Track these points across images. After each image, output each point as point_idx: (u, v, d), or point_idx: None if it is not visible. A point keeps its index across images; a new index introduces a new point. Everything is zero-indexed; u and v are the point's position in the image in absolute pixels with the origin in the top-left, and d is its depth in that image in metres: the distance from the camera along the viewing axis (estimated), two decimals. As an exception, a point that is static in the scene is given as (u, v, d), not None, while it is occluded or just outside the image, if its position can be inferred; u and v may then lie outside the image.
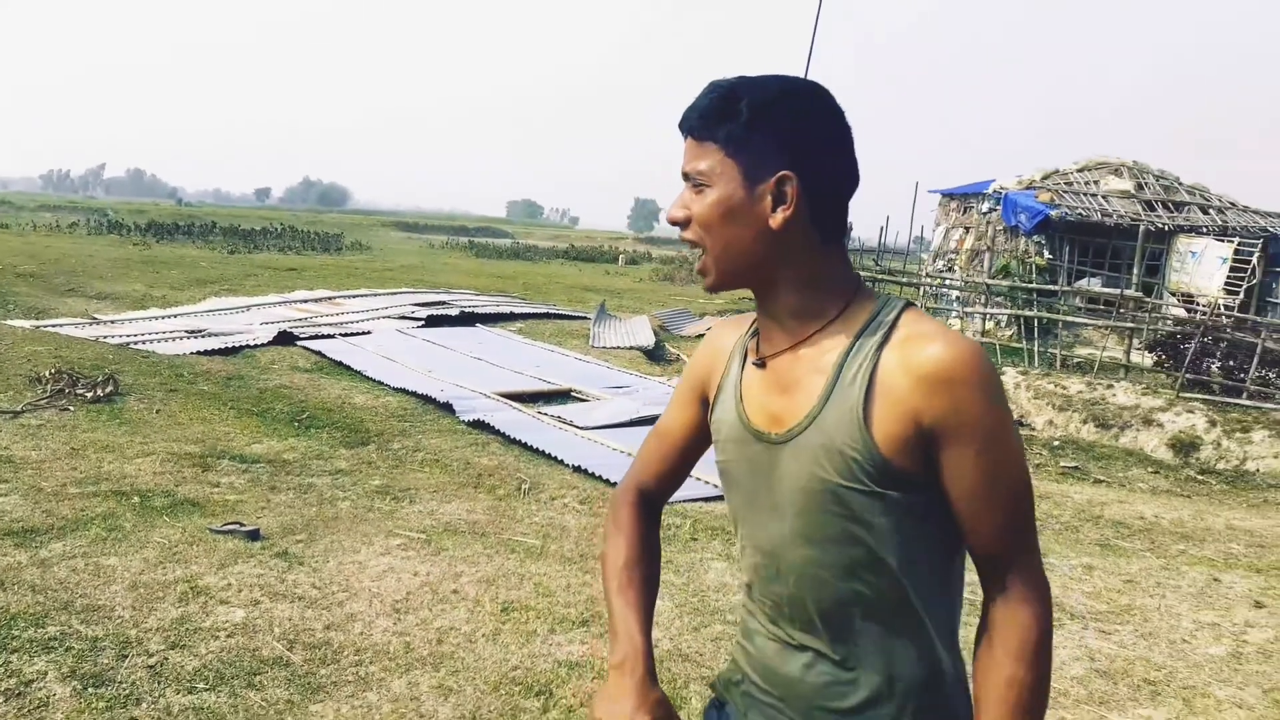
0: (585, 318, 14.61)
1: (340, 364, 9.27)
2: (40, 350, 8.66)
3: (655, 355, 11.85)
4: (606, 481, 5.79)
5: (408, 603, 3.79)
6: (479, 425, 7.13)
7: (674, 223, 1.20)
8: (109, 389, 7.04)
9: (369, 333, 11.25)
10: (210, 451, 5.82)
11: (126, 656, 3.21)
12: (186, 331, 10.50)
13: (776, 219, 1.13)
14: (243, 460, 5.70)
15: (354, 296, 14.68)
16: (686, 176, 1.17)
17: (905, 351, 1.10)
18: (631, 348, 12.11)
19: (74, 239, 30.12)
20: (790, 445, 1.16)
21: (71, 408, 6.62)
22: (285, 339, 10.26)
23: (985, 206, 15.31)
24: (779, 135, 1.12)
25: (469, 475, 5.85)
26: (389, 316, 12.68)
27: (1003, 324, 13.17)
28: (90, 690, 2.99)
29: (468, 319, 12.93)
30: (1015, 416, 7.42)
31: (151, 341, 9.66)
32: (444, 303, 14.24)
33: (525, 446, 6.62)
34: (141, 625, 3.43)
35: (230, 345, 9.68)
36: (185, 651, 3.24)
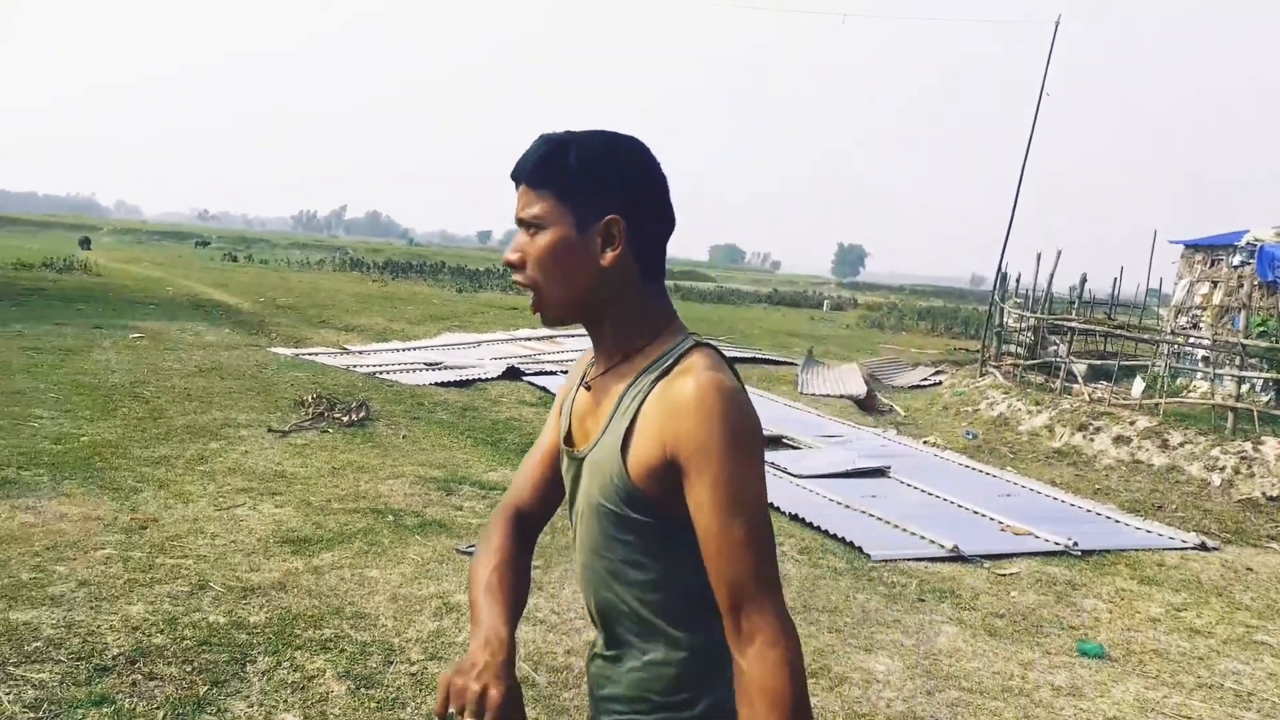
0: (792, 364, 14.55)
1: (561, 400, 9.69)
2: (301, 376, 9.60)
3: (866, 405, 11.63)
4: (825, 533, 5.74)
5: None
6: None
7: (509, 264, 1.27)
8: (362, 414, 7.70)
9: (586, 371, 11.69)
10: (452, 476, 6.24)
11: (392, 663, 3.50)
12: (425, 364, 11.31)
13: (607, 257, 1.22)
14: (481, 486, 6.08)
15: (571, 336, 15.30)
16: (521, 222, 1.25)
17: (667, 384, 1.18)
18: (841, 396, 11.95)
19: (322, 275, 33.15)
20: (585, 462, 1.27)
21: (330, 430, 7.29)
22: (513, 374, 10.85)
23: (1237, 260, 14.06)
24: (606, 183, 1.22)
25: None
26: (604, 356, 13.12)
27: (1258, 388, 12.03)
28: (362, 691, 3.28)
29: (678, 361, 13.17)
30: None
31: (395, 372, 10.48)
32: (655, 344, 14.58)
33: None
34: (403, 635, 3.73)
35: (464, 378, 10.35)
36: (442, 664, 3.50)
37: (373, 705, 3.20)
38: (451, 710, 1.19)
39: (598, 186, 1.21)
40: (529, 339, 14.77)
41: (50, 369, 8.76)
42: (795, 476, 7.07)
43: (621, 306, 1.25)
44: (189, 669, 3.31)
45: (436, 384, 9.90)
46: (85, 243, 37.74)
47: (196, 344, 11.43)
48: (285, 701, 3.17)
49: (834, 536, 5.67)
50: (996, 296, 15.08)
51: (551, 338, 14.97)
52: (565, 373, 11.35)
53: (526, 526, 1.44)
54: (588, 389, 1.32)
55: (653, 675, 1.25)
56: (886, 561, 5.33)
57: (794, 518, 6.04)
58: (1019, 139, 15.65)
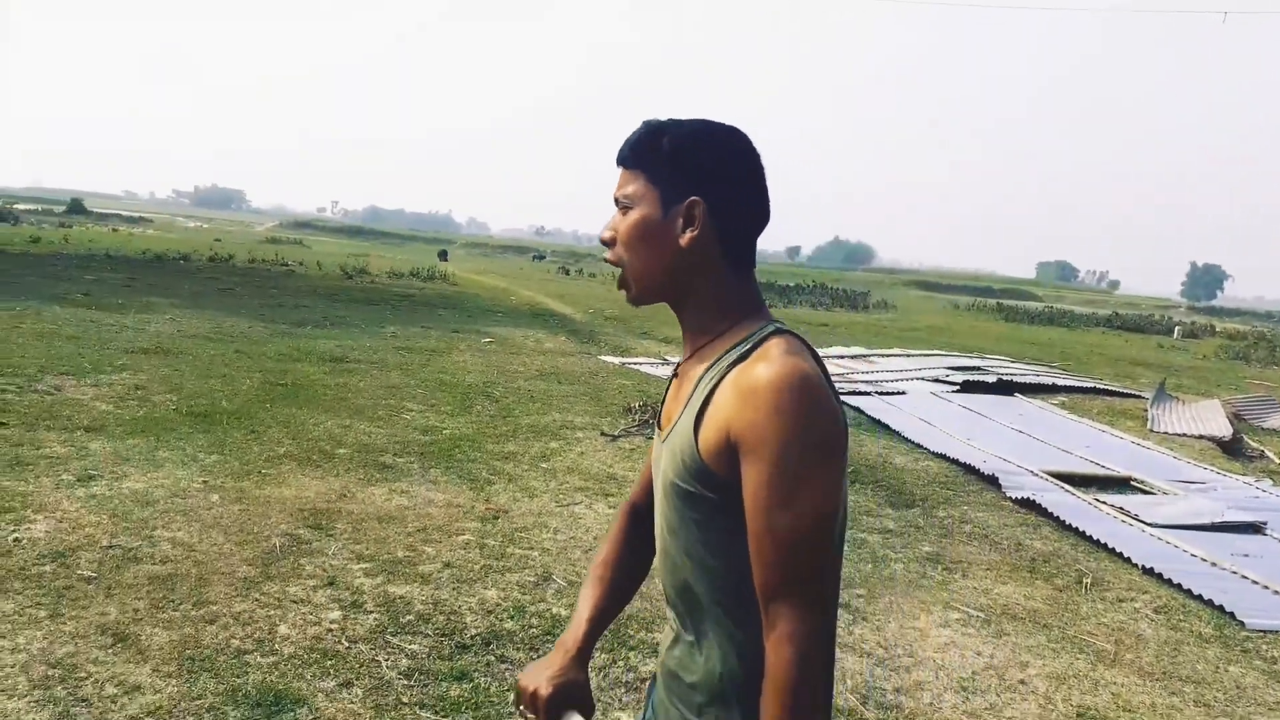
0: (1139, 396, 13.14)
1: (878, 422, 9.43)
2: (626, 384, 10.11)
3: (1231, 449, 10.21)
4: (1187, 592, 5.09)
5: (974, 683, 3.68)
6: (1027, 504, 6.75)
7: (603, 243, 1.31)
8: (683, 425, 7.95)
9: (904, 393, 11.30)
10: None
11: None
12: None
13: (685, 238, 1.25)
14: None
15: (887, 356, 14.89)
16: (617, 201, 1.29)
17: (742, 368, 1.17)
18: (1201, 436, 10.58)
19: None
20: (666, 444, 1.29)
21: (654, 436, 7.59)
22: (826, 393, 10.73)
23: None
24: (693, 166, 1.24)
25: (1021, 557, 5.55)
26: (923, 379, 12.62)
27: None
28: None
29: (1005, 388, 12.37)
30: None
31: (712, 384, 10.73)
32: (979, 369, 13.81)
33: (1081, 535, 6.10)
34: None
35: (778, 394, 10.38)
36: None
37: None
38: (520, 707, 1.37)
39: (685, 169, 1.25)
40: (841, 357, 14.55)
41: (418, 368, 9.91)
42: (1149, 525, 6.34)
43: (702, 290, 1.28)
44: (535, 656, 3.57)
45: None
46: (443, 255, 42.48)
47: (537, 350, 12.43)
48: (620, 701, 3.32)
49: (1197, 597, 5.02)
50: None
51: (865, 357, 14.65)
52: (880, 394, 11.03)
53: (642, 520, 1.50)
54: (676, 377, 1.36)
55: (720, 669, 1.25)
56: (1265, 632, 4.63)
57: (1148, 571, 5.41)
58: None
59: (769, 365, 1.14)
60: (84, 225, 43.08)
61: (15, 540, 4.05)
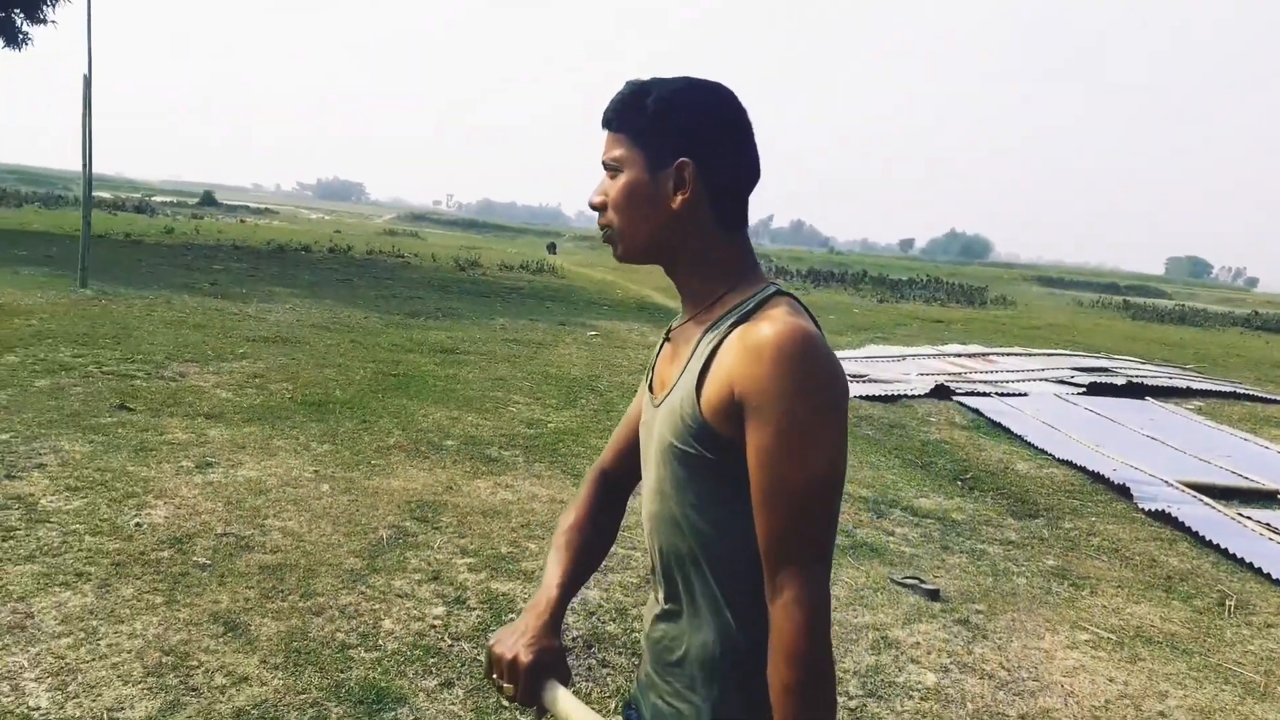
0: (1285, 402, 12.23)
1: (998, 425, 9.01)
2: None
3: (1393, 461, 9.37)
4: (1347, 619, 4.64)
5: (1108, 713, 3.41)
6: (1160, 517, 6.31)
7: (593, 207, 1.28)
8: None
9: (1025, 395, 10.78)
10: (882, 499, 6.02)
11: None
12: (851, 375, 11.17)
13: (675, 201, 1.21)
14: (913, 513, 5.79)
15: (1007, 354, 14.28)
16: (605, 165, 1.26)
17: (746, 328, 1.14)
18: (1358, 448, 9.76)
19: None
20: (661, 408, 1.25)
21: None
22: (941, 393, 10.32)
23: None
24: (679, 127, 1.21)
25: (1156, 575, 5.17)
26: (1045, 379, 12.02)
27: None
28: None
29: (1135, 390, 11.67)
30: None
31: (820, 382, 10.45)
32: (1107, 370, 13.08)
33: (1223, 552, 5.65)
34: (839, 664, 3.60)
35: (890, 394, 10.04)
36: (882, 703, 3.31)
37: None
38: (494, 675, 1.28)
39: (670, 130, 1.21)
40: (958, 355, 14.00)
41: (525, 360, 9.97)
42: (1304, 544, 5.84)
43: (696, 253, 1.25)
44: (637, 661, 3.47)
45: (862, 397, 9.70)
46: (552, 248, 42.98)
47: (641, 343, 12.37)
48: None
49: (1360, 627, 4.57)
50: None
51: (984, 355, 14.07)
52: (1000, 395, 10.54)
53: (612, 488, 1.49)
54: (669, 340, 1.33)
55: (712, 642, 1.21)
56: None
57: (1303, 596, 4.97)
58: None
59: (773, 325, 1.12)
60: (214, 217, 45.29)
61: (137, 525, 4.19)
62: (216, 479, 4.95)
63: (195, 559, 3.90)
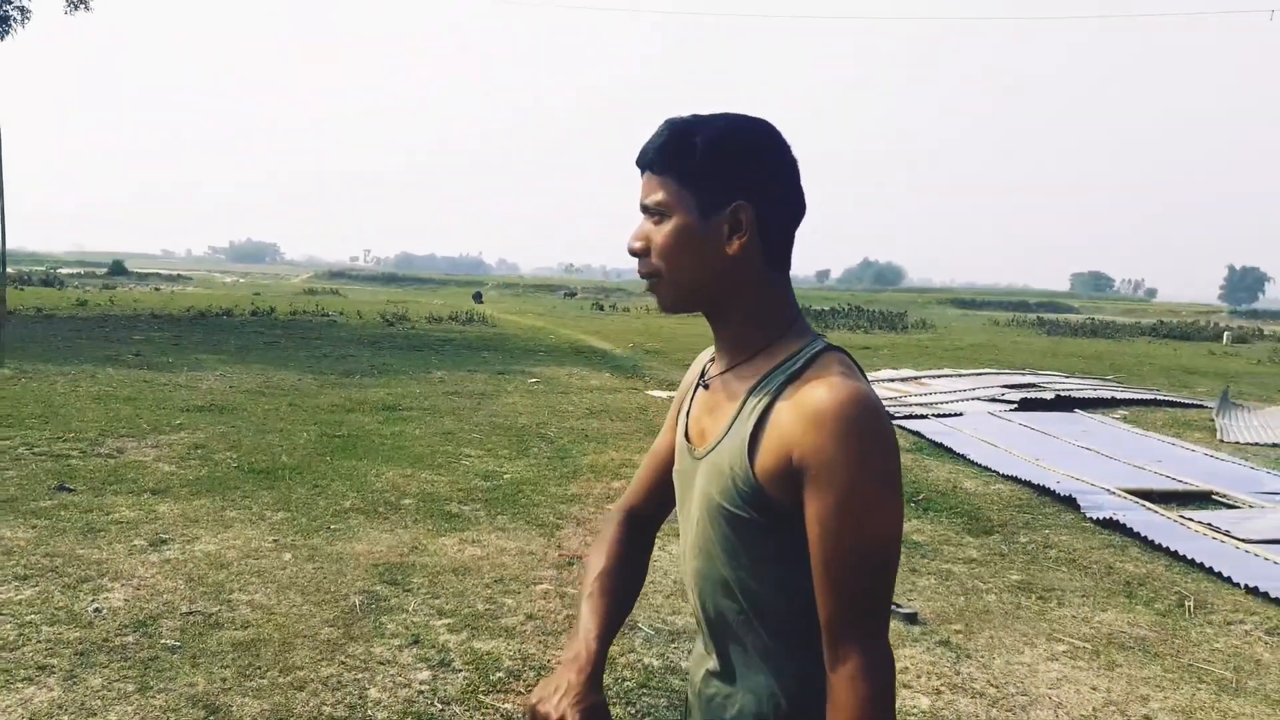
0: (1202, 406, 12.79)
1: (940, 445, 9.21)
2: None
3: (1309, 456, 9.85)
4: (1298, 610, 4.84)
5: (1097, 721, 3.48)
6: (1109, 524, 6.51)
7: (634, 253, 1.23)
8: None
9: (961, 414, 11.06)
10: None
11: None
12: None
13: (733, 246, 1.17)
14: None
15: (938, 376, 14.64)
16: (645, 209, 1.21)
17: (800, 389, 1.11)
18: (1275, 445, 10.24)
19: (682, 321, 34.65)
20: (704, 462, 1.22)
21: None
22: (883, 418, 10.52)
23: None
24: (732, 168, 1.16)
25: (1115, 582, 5.32)
26: (978, 398, 12.36)
27: None
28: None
29: (1064, 404, 12.08)
30: None
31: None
32: (1035, 385, 13.52)
33: (1174, 555, 5.85)
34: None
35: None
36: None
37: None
38: None
39: (723, 172, 1.16)
40: (890, 380, 14.31)
41: (470, 412, 9.86)
42: (1244, 541, 6.08)
43: (747, 299, 1.21)
44: (632, 711, 3.43)
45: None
46: (478, 297, 42.75)
47: (584, 387, 12.35)
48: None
49: (1310, 617, 4.77)
50: None
51: (916, 379, 14.40)
52: (938, 416, 10.78)
53: (641, 528, 1.46)
54: (706, 388, 1.29)
55: (765, 700, 1.19)
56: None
57: (1253, 591, 5.17)
58: None
59: (832, 390, 1.09)
60: (127, 286, 43.93)
61: (96, 611, 4.00)
62: (173, 556, 4.76)
63: (164, 641, 3.73)
